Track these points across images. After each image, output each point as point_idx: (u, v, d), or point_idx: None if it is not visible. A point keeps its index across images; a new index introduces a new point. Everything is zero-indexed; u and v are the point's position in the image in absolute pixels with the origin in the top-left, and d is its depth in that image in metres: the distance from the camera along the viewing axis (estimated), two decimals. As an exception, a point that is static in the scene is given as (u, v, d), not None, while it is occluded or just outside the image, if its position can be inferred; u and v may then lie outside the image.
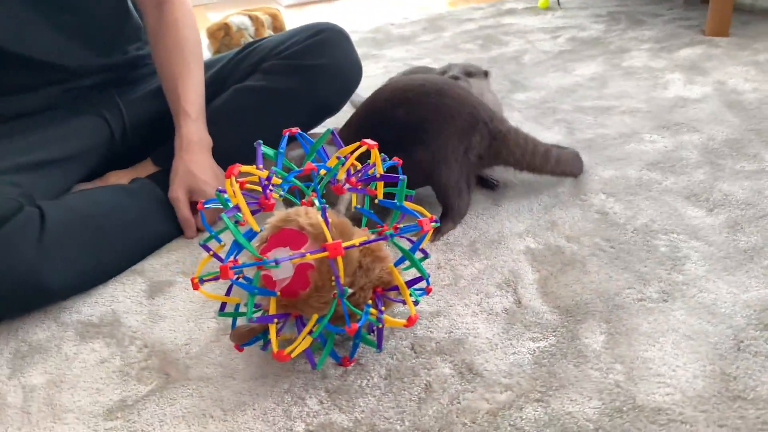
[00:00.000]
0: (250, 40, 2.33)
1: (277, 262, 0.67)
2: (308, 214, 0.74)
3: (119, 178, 1.23)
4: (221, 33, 2.35)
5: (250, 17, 2.45)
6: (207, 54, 2.28)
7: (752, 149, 1.22)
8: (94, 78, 1.22)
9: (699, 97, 1.51)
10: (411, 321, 0.75)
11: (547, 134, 1.39)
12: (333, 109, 1.32)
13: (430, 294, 0.91)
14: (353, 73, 1.29)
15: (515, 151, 1.07)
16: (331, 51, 1.25)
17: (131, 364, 0.85)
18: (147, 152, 1.27)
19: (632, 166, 1.21)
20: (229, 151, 1.21)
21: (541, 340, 0.81)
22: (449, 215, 1.08)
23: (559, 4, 2.62)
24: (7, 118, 1.15)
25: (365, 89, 1.82)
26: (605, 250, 0.97)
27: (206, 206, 0.77)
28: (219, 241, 0.79)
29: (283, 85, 1.23)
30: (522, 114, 1.54)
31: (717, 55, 1.78)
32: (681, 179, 1.14)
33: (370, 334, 0.82)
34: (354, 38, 2.48)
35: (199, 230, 1.15)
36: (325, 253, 0.67)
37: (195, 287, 0.75)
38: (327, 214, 0.72)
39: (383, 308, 0.76)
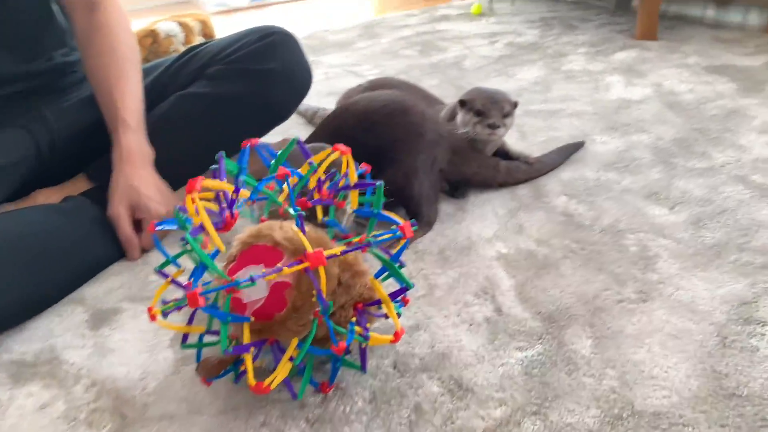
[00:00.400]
0: (180, 47, 2.23)
1: (252, 280, 0.61)
2: (283, 228, 0.68)
3: (48, 196, 1.11)
4: (148, 40, 2.22)
5: (179, 23, 2.33)
6: (133, 62, 2.15)
7: (699, 147, 1.25)
8: (14, 86, 1.10)
9: (640, 98, 1.54)
10: (397, 336, 0.70)
11: (500, 138, 1.38)
12: (284, 116, 1.25)
13: (407, 306, 0.86)
14: (304, 77, 1.24)
15: (472, 164, 1.13)
16: (282, 55, 1.18)
17: (78, 406, 0.75)
18: (79, 167, 1.16)
19: (588, 167, 1.22)
20: (172, 163, 1.13)
21: (527, 348, 0.78)
22: (420, 223, 1.05)
23: (492, 10, 2.66)
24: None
25: (306, 96, 1.77)
26: (576, 252, 0.96)
27: (159, 228, 0.68)
28: (177, 265, 0.71)
29: (230, 91, 1.15)
30: (471, 118, 1.52)
31: (650, 58, 1.84)
32: (638, 179, 1.15)
33: (347, 355, 0.77)
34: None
35: (143, 251, 1.06)
36: (305, 264, 0.61)
37: (153, 318, 0.67)
38: (303, 225, 0.66)
39: (368, 325, 0.71)
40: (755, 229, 0.96)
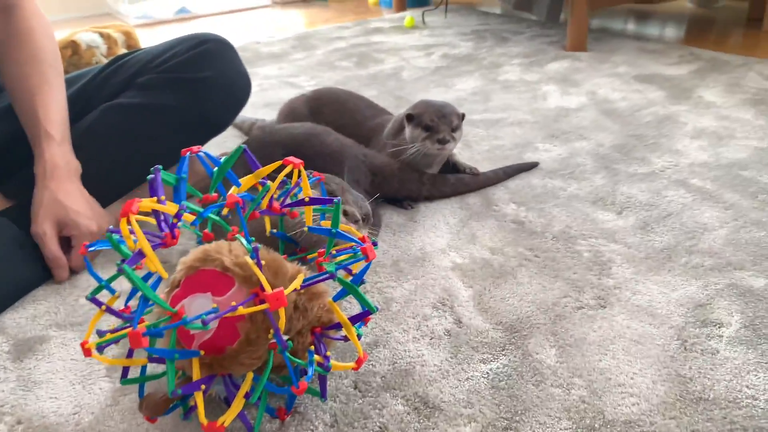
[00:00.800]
0: (103, 59, 2.11)
1: (204, 323, 0.54)
2: (233, 251, 0.62)
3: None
4: (68, 51, 2.09)
5: (101, 34, 2.21)
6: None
7: (638, 153, 1.28)
8: None
9: (577, 106, 1.57)
10: (360, 362, 0.66)
11: (444, 147, 1.37)
12: (220, 127, 1.18)
13: (367, 324, 0.82)
14: (241, 85, 1.17)
15: (393, 183, 1.13)
16: (217, 63, 1.12)
17: (2, 449, 0.67)
18: (-4, 184, 1.06)
19: (534, 175, 1.22)
20: (101, 178, 1.05)
21: (492, 361, 0.75)
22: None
23: (424, 22, 2.67)
24: None
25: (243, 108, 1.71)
26: (531, 259, 0.95)
27: (91, 249, 0.61)
28: (111, 291, 0.64)
29: (162, 101, 1.08)
30: (414, 128, 1.51)
31: (582, 68, 1.88)
32: (583, 185, 1.16)
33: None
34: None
35: (72, 271, 0.97)
36: (265, 306, 0.56)
37: (87, 353, 0.59)
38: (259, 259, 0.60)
39: (328, 353, 0.66)
40: (701, 232, 0.98)
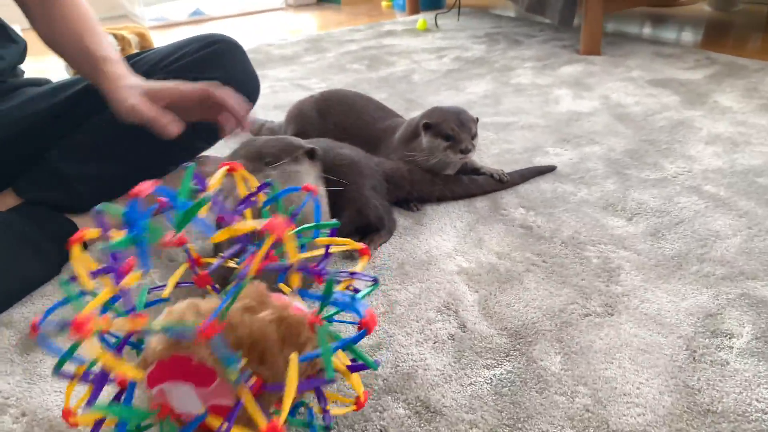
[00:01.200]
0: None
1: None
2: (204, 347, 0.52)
3: (-30, 212, 1.01)
4: (82, 50, 2.11)
5: (116, 36, 2.23)
6: (66, 75, 2.03)
7: (650, 158, 1.26)
8: None
9: (590, 110, 1.56)
10: (361, 404, 0.61)
11: (454, 150, 1.36)
12: (230, 128, 1.18)
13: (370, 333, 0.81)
14: (251, 87, 1.17)
15: (404, 187, 1.12)
16: (226, 64, 1.12)
17: (2, 445, 0.67)
18: (6, 182, 1.06)
19: (544, 179, 1.21)
20: (105, 176, 1.05)
21: (495, 366, 0.74)
22: (382, 229, 1.04)
23: (437, 25, 2.66)
24: None
25: (254, 109, 1.71)
26: (538, 265, 0.93)
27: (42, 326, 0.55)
28: (80, 361, 0.56)
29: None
30: (424, 131, 1.50)
31: (596, 71, 1.86)
32: (594, 190, 1.15)
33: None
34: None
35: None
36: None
37: (74, 425, 0.54)
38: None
39: (327, 407, 0.60)
40: (713, 240, 0.96)
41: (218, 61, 1.12)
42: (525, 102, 1.66)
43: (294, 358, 0.49)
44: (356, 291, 0.67)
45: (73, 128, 1.10)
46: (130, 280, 0.54)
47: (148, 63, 1.14)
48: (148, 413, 0.49)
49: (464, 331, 0.80)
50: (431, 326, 0.81)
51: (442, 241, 1.02)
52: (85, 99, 1.12)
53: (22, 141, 1.07)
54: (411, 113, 1.61)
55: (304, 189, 0.68)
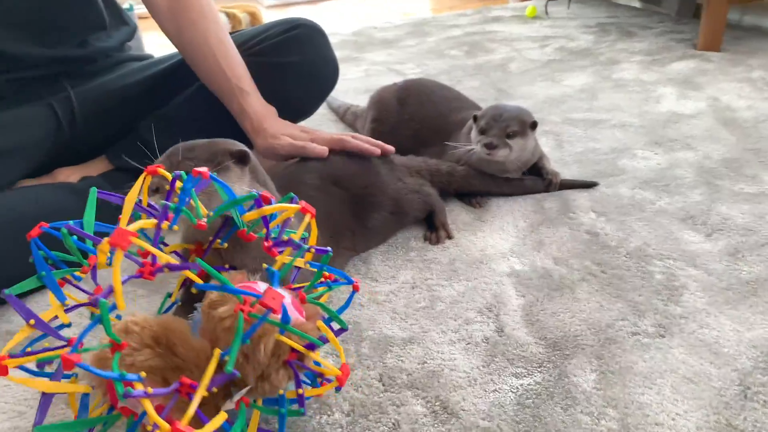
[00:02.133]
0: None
1: None
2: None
3: (68, 175, 1.12)
4: (196, 27, 2.24)
5: (227, 14, 2.35)
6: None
7: (750, 170, 1.15)
8: (42, 69, 1.09)
9: (693, 112, 1.44)
10: (342, 380, 0.61)
11: (535, 146, 1.31)
12: (305, 112, 1.22)
13: (404, 318, 0.82)
14: (328, 72, 1.19)
15: (442, 179, 1.11)
16: (304, 48, 1.15)
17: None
18: (101, 149, 1.16)
19: (624, 184, 1.14)
20: None
21: (525, 376, 0.72)
22: (434, 210, 1.05)
23: (547, 13, 2.56)
24: (-53, 107, 1.03)
25: (342, 92, 1.74)
26: (596, 275, 0.89)
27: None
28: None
29: (251, 83, 1.12)
30: (508, 123, 1.46)
31: (710, 70, 1.72)
32: (676, 200, 1.07)
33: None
34: (334, 40, 2.40)
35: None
36: None
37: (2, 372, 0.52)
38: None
39: (300, 390, 0.59)
40: (800, 266, 0.87)
41: (297, 45, 1.15)
42: (623, 99, 1.56)
43: (216, 352, 0.53)
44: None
45: (162, 102, 1.18)
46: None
47: (235, 43, 1.19)
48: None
49: (500, 336, 0.78)
50: (468, 327, 0.80)
51: (500, 240, 0.99)
52: (175, 75, 1.19)
53: (118, 111, 1.16)
54: (499, 103, 1.58)
55: (194, 173, 0.61)
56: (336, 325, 0.66)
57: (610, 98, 1.57)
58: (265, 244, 0.64)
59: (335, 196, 0.94)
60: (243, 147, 0.78)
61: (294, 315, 0.60)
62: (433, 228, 1.03)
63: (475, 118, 1.10)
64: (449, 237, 1.02)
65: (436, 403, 0.69)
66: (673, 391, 0.68)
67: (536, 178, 1.14)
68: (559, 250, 0.96)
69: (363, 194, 0.97)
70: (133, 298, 0.90)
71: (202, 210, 0.62)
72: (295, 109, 1.20)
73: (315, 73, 1.18)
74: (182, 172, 0.61)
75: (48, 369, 0.57)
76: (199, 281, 0.55)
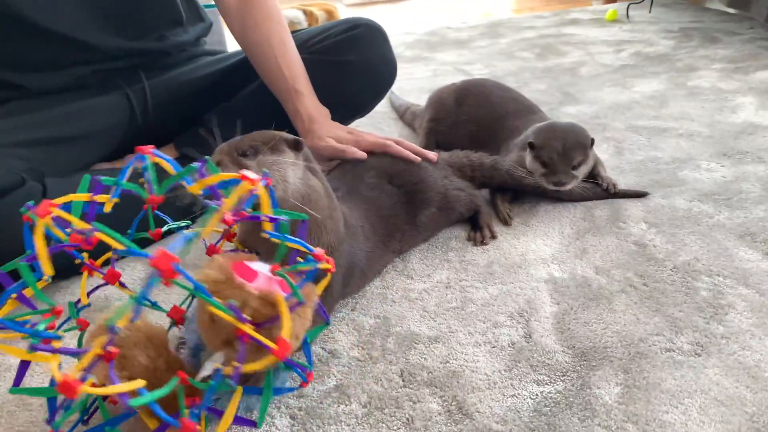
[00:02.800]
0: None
1: None
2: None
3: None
4: (273, 24, 2.32)
5: (305, 12, 2.42)
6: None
7: (825, 188, 1.08)
8: (125, 61, 1.18)
9: (770, 124, 1.36)
10: (279, 354, 0.56)
11: (596, 152, 1.28)
12: (362, 109, 1.25)
13: (434, 317, 0.83)
14: (385, 71, 1.22)
15: (485, 173, 1.10)
16: (363, 48, 1.17)
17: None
18: (170, 137, 1.24)
19: (683, 195, 1.09)
20: None
21: (546, 384, 0.71)
22: (479, 210, 1.05)
23: (628, 16, 2.47)
24: (34, 94, 1.13)
25: (407, 92, 1.76)
26: (637, 287, 0.86)
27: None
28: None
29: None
30: (569, 128, 1.43)
31: (797, 80, 1.61)
32: (737, 215, 1.01)
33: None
34: (408, 40, 2.43)
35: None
36: None
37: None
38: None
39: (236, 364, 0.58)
40: None
41: (356, 45, 1.17)
42: (695, 107, 1.49)
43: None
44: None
45: (228, 96, 1.24)
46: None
47: (298, 41, 1.23)
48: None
49: (527, 342, 0.78)
50: (496, 330, 0.80)
51: (543, 246, 0.98)
52: (240, 71, 1.25)
53: (187, 102, 1.23)
54: (563, 108, 1.55)
55: (136, 150, 0.63)
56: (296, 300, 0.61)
57: (680, 106, 1.50)
58: (226, 217, 0.59)
59: (390, 194, 0.96)
60: (298, 137, 0.81)
61: (265, 284, 0.59)
62: (478, 227, 1.03)
63: (531, 146, 1.07)
64: (493, 237, 1.01)
65: (453, 403, 0.69)
66: (700, 412, 0.65)
67: (592, 186, 1.11)
68: (603, 259, 0.93)
69: (414, 190, 0.98)
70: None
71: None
72: (352, 106, 1.23)
73: (373, 72, 1.20)
74: (198, 161, 0.63)
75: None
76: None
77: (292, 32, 1.28)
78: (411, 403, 0.69)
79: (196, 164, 0.62)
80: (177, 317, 0.73)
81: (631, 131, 1.38)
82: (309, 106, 1.09)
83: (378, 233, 0.90)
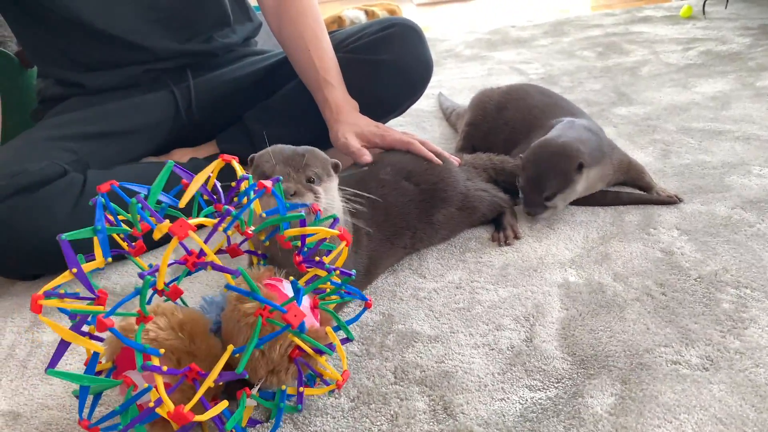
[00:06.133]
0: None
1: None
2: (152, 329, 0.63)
3: (182, 155, 1.26)
4: (334, 26, 2.37)
5: (366, 12, 2.45)
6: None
7: None
8: (174, 61, 1.23)
9: (841, 128, 1.25)
10: (340, 384, 0.68)
11: (639, 154, 1.23)
12: (395, 109, 1.25)
13: (438, 316, 0.83)
14: (418, 71, 1.21)
15: (506, 178, 1.10)
16: (397, 47, 1.18)
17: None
18: (213, 134, 1.29)
19: (725, 202, 1.03)
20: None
21: (539, 389, 0.69)
22: (503, 211, 1.04)
23: (704, 13, 2.34)
24: (91, 91, 1.21)
25: (458, 91, 1.75)
26: (654, 296, 0.82)
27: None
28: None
29: (344, 79, 1.18)
30: (617, 129, 1.37)
31: None
32: (781, 224, 0.95)
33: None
34: (470, 39, 2.41)
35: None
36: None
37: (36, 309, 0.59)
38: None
39: (302, 389, 0.68)
40: None
41: (389, 44, 1.18)
42: (759, 109, 1.39)
43: (229, 348, 0.59)
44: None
45: (268, 94, 1.29)
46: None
47: (335, 41, 1.26)
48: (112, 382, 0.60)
49: (527, 346, 0.76)
50: (497, 333, 0.79)
51: (564, 249, 0.95)
52: (280, 69, 1.29)
53: (230, 100, 1.28)
54: (614, 109, 1.50)
55: (259, 186, 0.67)
56: (343, 334, 0.70)
57: (743, 108, 1.41)
58: (296, 258, 0.68)
59: (404, 192, 0.97)
60: (336, 160, 0.85)
61: (309, 320, 0.65)
62: (501, 228, 1.01)
63: (521, 163, 1.03)
64: (516, 237, 1.00)
65: (439, 403, 0.69)
66: (695, 429, 0.62)
67: (639, 193, 1.07)
68: (624, 266, 0.90)
69: (432, 189, 0.98)
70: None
71: (255, 220, 0.68)
72: (386, 106, 1.24)
73: (406, 72, 1.20)
74: (250, 176, 0.69)
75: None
76: (233, 282, 0.62)
77: (331, 32, 1.31)
78: (398, 400, 0.70)
79: (267, 184, 0.66)
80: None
81: (682, 133, 1.31)
82: (338, 96, 1.11)
83: (384, 231, 0.91)
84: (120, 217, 0.68)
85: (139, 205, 0.64)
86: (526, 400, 0.68)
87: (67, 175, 1.01)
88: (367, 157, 1.02)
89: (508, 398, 0.69)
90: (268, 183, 0.66)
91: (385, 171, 0.98)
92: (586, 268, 0.90)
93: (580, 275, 0.89)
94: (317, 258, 0.69)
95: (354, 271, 0.72)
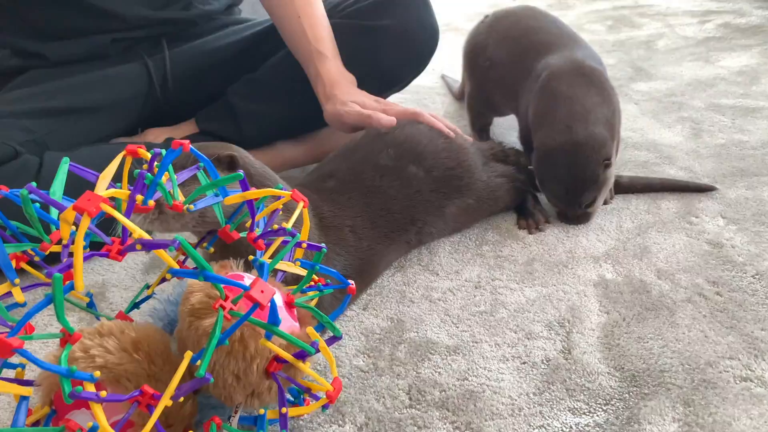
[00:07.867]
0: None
1: None
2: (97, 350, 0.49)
3: (157, 135, 1.12)
4: None
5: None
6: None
7: None
8: (147, 30, 1.10)
9: None
10: (332, 396, 0.54)
11: (666, 134, 1.11)
12: (398, 82, 1.12)
13: (456, 322, 0.70)
14: (424, 39, 1.08)
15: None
16: (399, 11, 1.05)
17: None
18: (192, 112, 1.16)
19: (772, 186, 0.91)
20: (267, 121, 1.08)
21: (584, 413, 0.58)
22: (526, 198, 0.92)
23: (717, -16, 2.21)
24: (52, 63, 1.07)
25: (459, 67, 1.62)
26: (708, 296, 0.71)
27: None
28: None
29: (339, 49, 1.05)
30: (639, 107, 1.25)
31: None
32: (841, 211, 0.83)
33: None
34: (469, 11, 2.27)
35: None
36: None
37: None
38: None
39: (284, 410, 0.52)
40: None
41: (391, 8, 1.05)
42: (793, 84, 1.28)
43: (187, 355, 0.45)
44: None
45: (253, 66, 1.15)
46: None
47: (329, 4, 1.12)
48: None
49: (566, 359, 0.64)
50: (528, 342, 0.67)
51: (596, 242, 0.84)
52: (267, 39, 1.15)
53: (209, 73, 1.14)
54: (633, 84, 1.38)
55: (173, 145, 0.53)
56: (329, 333, 0.56)
57: (775, 82, 1.30)
58: (251, 236, 0.56)
59: (410, 180, 0.82)
60: (232, 152, 0.67)
61: (287, 322, 0.52)
62: (528, 213, 0.89)
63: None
64: (547, 221, 0.88)
65: (465, 431, 0.57)
66: (784, 467, 0.50)
67: (673, 179, 0.95)
68: (667, 261, 0.78)
69: (447, 177, 0.85)
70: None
71: (180, 194, 0.53)
72: (388, 78, 1.11)
73: (409, 39, 1.07)
74: (162, 150, 0.52)
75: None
76: (174, 264, 0.48)
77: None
78: (415, 429, 0.58)
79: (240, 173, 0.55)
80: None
81: (712, 110, 1.19)
82: (331, 69, 0.98)
83: (380, 228, 0.78)
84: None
85: (37, 204, 0.50)
86: (571, 428, 0.56)
87: (19, 157, 0.87)
88: (385, 119, 0.88)
89: (549, 425, 0.57)
90: (185, 141, 0.52)
91: (387, 155, 0.85)
92: (623, 263, 0.78)
93: (618, 272, 0.77)
94: (275, 227, 0.57)
95: (324, 244, 0.59)
